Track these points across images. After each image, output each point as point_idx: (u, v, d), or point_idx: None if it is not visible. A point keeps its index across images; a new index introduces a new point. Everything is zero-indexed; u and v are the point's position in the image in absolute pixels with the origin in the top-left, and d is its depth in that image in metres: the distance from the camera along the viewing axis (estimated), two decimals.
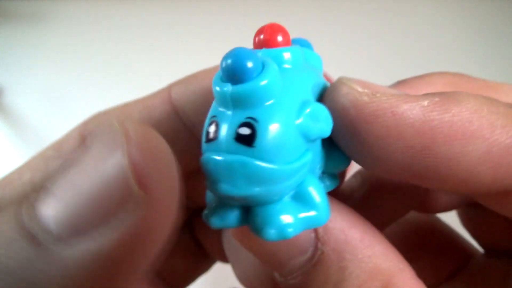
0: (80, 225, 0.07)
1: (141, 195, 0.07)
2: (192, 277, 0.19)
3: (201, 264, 0.19)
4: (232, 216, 0.10)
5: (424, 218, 0.17)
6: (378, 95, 0.09)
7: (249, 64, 0.09)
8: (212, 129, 0.09)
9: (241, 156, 0.09)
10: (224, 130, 0.09)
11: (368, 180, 0.15)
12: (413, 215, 0.17)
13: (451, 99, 0.09)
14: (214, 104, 0.10)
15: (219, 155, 0.09)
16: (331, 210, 0.10)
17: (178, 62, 0.59)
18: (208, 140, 0.09)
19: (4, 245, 0.07)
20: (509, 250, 0.15)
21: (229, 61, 0.09)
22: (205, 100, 0.13)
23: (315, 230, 0.10)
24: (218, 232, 0.17)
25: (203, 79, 0.14)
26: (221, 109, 0.09)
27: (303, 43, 0.12)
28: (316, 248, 0.10)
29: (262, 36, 0.10)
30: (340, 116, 0.10)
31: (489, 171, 0.09)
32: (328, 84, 0.12)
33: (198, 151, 0.14)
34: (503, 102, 0.10)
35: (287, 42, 0.11)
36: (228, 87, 0.09)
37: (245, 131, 0.09)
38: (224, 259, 0.17)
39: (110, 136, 0.08)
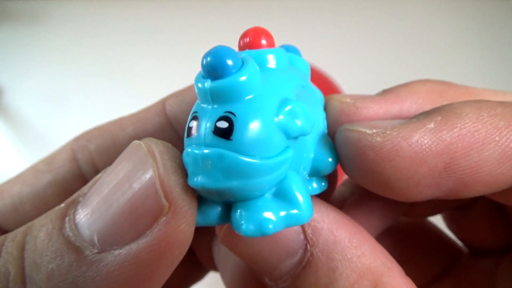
0: (120, 238, 0.08)
1: (168, 207, 0.08)
2: (185, 286, 0.19)
3: (194, 273, 0.19)
4: (214, 213, 0.10)
5: (412, 220, 0.17)
6: (388, 132, 0.10)
7: (228, 61, 0.09)
8: (193, 124, 0.09)
9: (218, 149, 0.09)
10: (203, 124, 0.09)
11: (358, 188, 0.15)
12: (401, 217, 0.17)
13: (451, 113, 0.10)
14: (197, 101, 0.10)
15: (198, 149, 0.09)
16: (318, 211, 0.10)
17: (178, 62, 0.60)
18: (189, 135, 0.10)
19: (54, 258, 0.08)
20: (493, 250, 0.15)
21: (208, 58, 0.09)
22: None
23: (304, 232, 0.10)
24: (210, 241, 0.17)
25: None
26: (202, 105, 0.10)
27: (291, 49, 0.12)
28: (305, 249, 0.10)
29: (246, 39, 0.11)
30: (358, 160, 0.10)
31: (509, 169, 0.10)
32: (318, 90, 0.12)
33: None
34: (494, 101, 0.10)
35: (271, 44, 0.11)
36: (208, 82, 0.09)
37: (223, 124, 0.09)
38: (215, 268, 0.17)
39: (139, 157, 0.09)
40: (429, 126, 0.10)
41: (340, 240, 0.10)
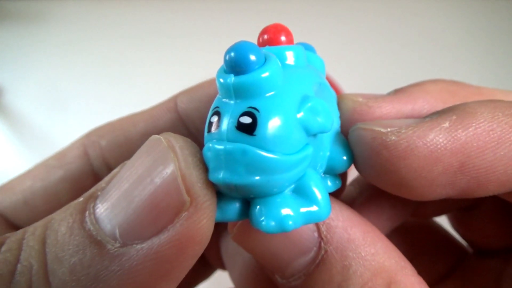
0: (142, 233, 0.08)
1: (190, 202, 0.08)
2: (192, 284, 0.19)
3: (201, 271, 0.19)
4: (233, 209, 0.10)
5: (417, 220, 0.17)
6: (403, 130, 0.10)
7: (251, 56, 0.09)
8: (214, 119, 0.09)
9: (241, 144, 0.09)
10: (226, 119, 0.09)
11: (366, 188, 0.15)
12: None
13: (465, 113, 0.10)
14: (217, 96, 0.10)
15: (220, 144, 0.09)
16: (333, 209, 0.10)
17: (178, 62, 0.59)
18: (210, 129, 0.09)
19: (76, 251, 0.08)
20: (499, 251, 0.15)
21: (232, 53, 0.09)
22: (210, 108, 0.14)
23: (318, 229, 0.10)
24: (217, 239, 0.17)
25: (208, 88, 0.14)
26: (224, 100, 0.10)
27: (307, 47, 0.12)
28: (319, 247, 0.10)
29: (266, 36, 0.11)
30: (372, 159, 0.10)
31: None
32: (332, 90, 0.12)
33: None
34: (509, 101, 0.10)
35: (290, 41, 0.11)
36: (231, 78, 0.09)
37: (246, 119, 0.09)
38: (223, 266, 0.17)
39: (160, 152, 0.09)
40: (444, 125, 0.10)
41: (354, 238, 0.10)
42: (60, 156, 0.15)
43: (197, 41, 0.62)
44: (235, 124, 0.09)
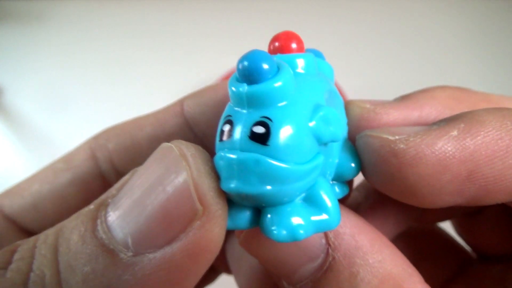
0: (154, 241, 0.08)
1: (202, 211, 0.08)
2: None
3: (206, 275, 0.19)
4: (244, 218, 0.10)
5: (421, 225, 0.17)
6: (411, 138, 0.10)
7: (264, 66, 0.09)
8: (226, 128, 0.09)
9: (255, 154, 0.09)
10: (238, 128, 0.09)
11: (371, 193, 0.15)
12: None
13: (474, 121, 0.10)
14: (229, 104, 0.10)
15: (233, 153, 0.09)
16: (341, 216, 0.10)
17: (179, 62, 0.59)
18: (222, 138, 0.09)
19: (88, 260, 0.08)
20: (503, 256, 0.15)
21: (245, 62, 0.09)
22: (217, 112, 0.14)
23: (326, 236, 0.10)
24: (223, 244, 0.17)
25: (215, 92, 0.14)
26: (236, 108, 0.10)
27: (316, 53, 0.12)
28: (327, 254, 0.10)
29: (276, 43, 0.11)
30: (380, 167, 0.10)
31: None
32: (341, 97, 0.12)
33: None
34: None
35: (301, 49, 0.11)
36: (244, 87, 0.09)
37: (260, 129, 0.09)
38: (228, 270, 0.17)
39: (172, 160, 0.09)
40: (453, 133, 0.10)
41: (361, 245, 0.10)
42: (67, 159, 0.15)
43: (198, 41, 0.62)
44: (248, 133, 0.09)
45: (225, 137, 0.09)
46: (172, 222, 0.08)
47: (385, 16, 0.62)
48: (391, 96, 0.12)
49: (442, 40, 0.59)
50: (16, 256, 0.09)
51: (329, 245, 0.10)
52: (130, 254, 0.08)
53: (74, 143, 0.17)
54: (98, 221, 0.09)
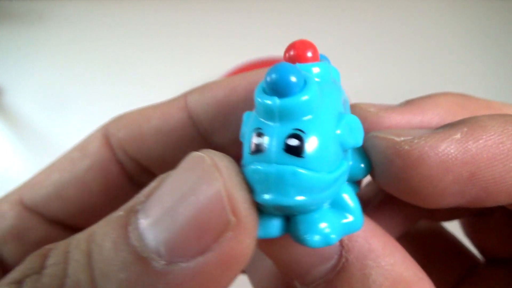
0: (186, 251, 0.08)
1: (235, 222, 0.09)
2: None
3: None
4: (274, 226, 0.10)
5: (429, 227, 0.17)
6: (416, 140, 0.10)
7: (293, 79, 0.09)
8: (258, 140, 0.10)
9: (291, 166, 0.09)
10: (272, 141, 0.09)
11: (380, 190, 0.15)
12: (418, 224, 0.17)
13: (476, 125, 0.10)
14: (254, 116, 0.10)
15: (269, 166, 0.09)
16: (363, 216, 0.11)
17: (179, 62, 0.59)
18: (255, 151, 0.10)
19: (122, 268, 0.08)
20: (510, 259, 0.15)
21: (274, 75, 0.09)
22: (219, 108, 0.14)
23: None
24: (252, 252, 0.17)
25: (218, 89, 0.14)
26: (265, 121, 0.10)
27: (322, 58, 0.12)
28: (340, 255, 0.10)
29: (292, 52, 0.11)
30: (385, 167, 0.10)
31: None
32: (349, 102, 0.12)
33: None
34: None
35: (316, 58, 0.11)
36: (275, 100, 0.09)
37: (294, 142, 0.09)
38: (242, 270, 0.17)
39: (204, 170, 0.09)
40: (456, 136, 0.10)
41: (374, 248, 0.10)
42: (81, 147, 0.15)
43: (198, 41, 0.62)
44: (283, 146, 0.09)
45: (257, 150, 0.09)
46: (205, 232, 0.08)
47: (386, 16, 0.62)
48: (392, 97, 0.12)
49: (444, 40, 0.59)
50: (50, 261, 0.09)
51: (343, 247, 0.10)
52: (163, 263, 0.08)
53: (74, 143, 0.17)
54: (130, 228, 0.09)
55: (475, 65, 0.57)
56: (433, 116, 0.12)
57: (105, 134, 0.15)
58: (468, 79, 0.55)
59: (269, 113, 0.09)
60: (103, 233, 0.09)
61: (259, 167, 0.09)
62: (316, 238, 0.09)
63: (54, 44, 0.64)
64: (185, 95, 0.15)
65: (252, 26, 0.62)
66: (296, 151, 0.09)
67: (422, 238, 0.17)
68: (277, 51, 0.49)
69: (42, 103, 0.59)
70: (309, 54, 0.11)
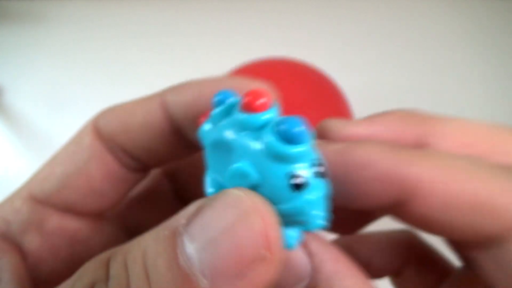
0: (227, 275, 0.10)
1: (270, 257, 0.10)
2: None
3: None
4: (293, 238, 0.12)
5: (404, 234, 0.18)
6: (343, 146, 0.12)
7: (300, 130, 0.11)
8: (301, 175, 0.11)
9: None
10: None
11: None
12: (394, 231, 0.18)
13: (354, 144, 0.12)
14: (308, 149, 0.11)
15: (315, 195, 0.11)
16: (324, 246, 0.12)
17: (179, 62, 0.59)
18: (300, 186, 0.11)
19: (175, 285, 0.10)
20: None
21: (283, 126, 0.10)
22: (198, 107, 0.14)
23: (312, 261, 0.12)
24: None
25: (197, 88, 0.15)
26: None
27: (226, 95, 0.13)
28: (312, 276, 0.12)
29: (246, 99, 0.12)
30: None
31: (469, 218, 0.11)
32: None
33: (186, 153, 0.16)
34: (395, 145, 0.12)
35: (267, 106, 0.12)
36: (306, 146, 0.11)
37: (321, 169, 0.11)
38: None
39: (245, 208, 0.10)
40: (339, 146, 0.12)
41: (340, 270, 0.12)
42: (76, 142, 0.16)
43: (198, 41, 0.62)
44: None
45: (302, 185, 0.11)
46: (243, 262, 0.10)
47: (385, 16, 0.62)
48: (392, 97, 0.12)
49: (444, 41, 0.59)
50: (113, 272, 0.10)
51: (314, 269, 0.12)
52: (206, 282, 0.09)
53: None
54: (178, 250, 0.10)
55: (475, 65, 0.57)
56: (377, 127, 0.13)
57: (96, 127, 0.16)
58: (468, 79, 0.55)
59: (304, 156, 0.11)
60: (155, 252, 0.10)
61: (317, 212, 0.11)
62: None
63: (54, 44, 0.64)
64: (163, 93, 0.15)
65: (252, 26, 0.62)
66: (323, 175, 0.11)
67: (396, 245, 0.18)
68: (277, 51, 0.49)
69: (42, 103, 0.59)
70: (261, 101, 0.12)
